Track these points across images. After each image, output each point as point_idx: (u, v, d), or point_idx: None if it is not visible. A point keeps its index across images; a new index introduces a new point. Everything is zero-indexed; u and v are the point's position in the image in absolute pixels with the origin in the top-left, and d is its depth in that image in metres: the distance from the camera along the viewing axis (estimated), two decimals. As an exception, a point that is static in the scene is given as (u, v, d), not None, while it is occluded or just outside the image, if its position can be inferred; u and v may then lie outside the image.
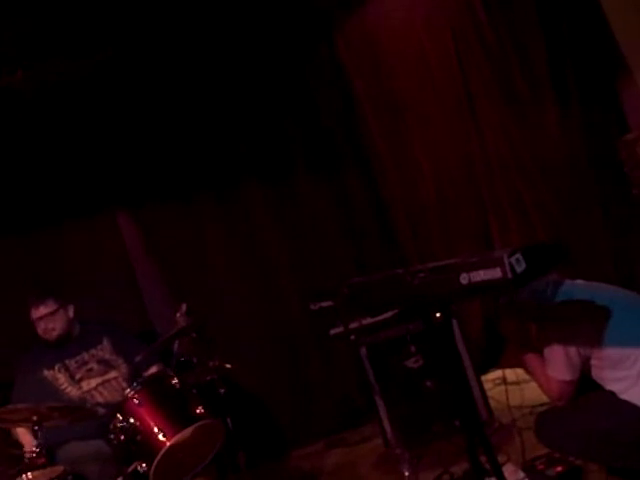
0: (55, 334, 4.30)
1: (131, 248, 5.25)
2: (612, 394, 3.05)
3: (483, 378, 4.61)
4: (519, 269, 2.38)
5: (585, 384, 3.15)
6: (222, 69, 5.28)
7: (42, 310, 4.28)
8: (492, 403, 4.41)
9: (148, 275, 5.26)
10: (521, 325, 3.31)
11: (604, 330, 2.99)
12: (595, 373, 3.10)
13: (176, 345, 3.96)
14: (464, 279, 2.47)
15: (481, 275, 2.43)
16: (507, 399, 3.74)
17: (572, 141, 4.64)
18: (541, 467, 3.41)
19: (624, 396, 3.01)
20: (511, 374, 4.26)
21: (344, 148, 5.59)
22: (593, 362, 3.07)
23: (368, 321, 4.18)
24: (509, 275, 2.36)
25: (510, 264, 2.36)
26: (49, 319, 4.28)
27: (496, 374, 4.91)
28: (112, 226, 5.22)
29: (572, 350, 3.05)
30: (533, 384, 3.58)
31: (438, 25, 5.10)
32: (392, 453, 4.31)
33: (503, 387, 4.25)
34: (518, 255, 2.40)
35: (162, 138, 5.19)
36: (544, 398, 3.38)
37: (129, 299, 5.17)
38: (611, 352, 2.99)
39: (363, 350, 4.39)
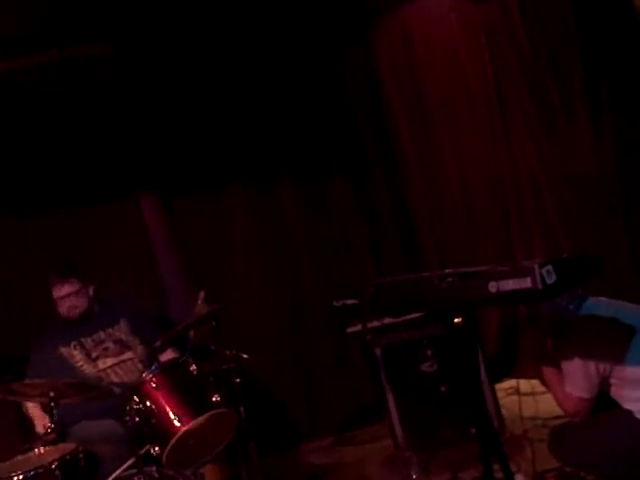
0: (77, 312, 4.31)
1: (153, 233, 5.22)
2: (629, 413, 3.05)
3: (496, 387, 4.59)
4: (549, 281, 2.37)
5: (602, 401, 3.16)
6: (259, 63, 5.27)
7: (67, 289, 4.29)
8: (504, 413, 4.40)
9: (168, 260, 5.25)
10: (541, 338, 3.31)
11: (626, 349, 2.99)
12: (614, 391, 3.10)
13: (192, 332, 3.97)
14: (493, 287, 2.47)
15: (510, 284, 2.42)
16: (520, 409, 3.75)
17: (603, 158, 4.65)
18: (551, 480, 3.41)
19: (641, 416, 3.01)
20: (525, 385, 4.26)
21: (373, 151, 5.59)
22: (612, 381, 3.07)
23: (389, 321, 4.19)
24: (539, 286, 2.35)
25: (541, 275, 2.36)
26: (73, 297, 4.30)
27: (509, 383, 4.89)
28: (135, 209, 5.20)
29: (592, 367, 3.05)
30: (547, 396, 3.59)
31: (474, 34, 5.11)
32: (400, 455, 4.32)
33: (515, 397, 4.24)
34: (549, 267, 2.39)
35: (196, 125, 5.19)
36: (558, 411, 3.38)
37: (148, 283, 5.17)
38: (632, 372, 2.98)
39: (378, 350, 4.38)
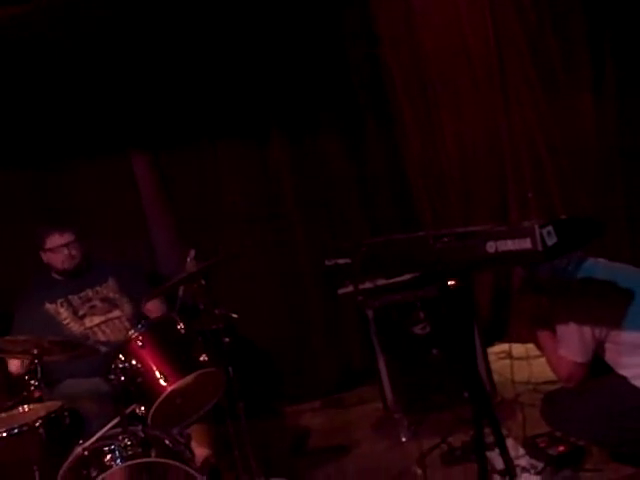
0: (75, 262, 4.23)
1: (143, 190, 5.15)
2: (623, 379, 3.01)
3: (488, 351, 4.55)
4: (550, 242, 2.29)
5: (596, 366, 3.11)
6: (254, 18, 5.15)
7: (66, 237, 4.20)
8: (495, 377, 4.38)
9: (158, 218, 5.20)
10: (537, 300, 3.25)
11: (623, 313, 2.94)
12: (609, 356, 3.06)
13: (181, 290, 3.90)
14: (491, 247, 2.39)
15: (509, 245, 2.35)
16: (512, 373, 3.70)
17: (604, 124, 4.58)
18: (542, 445, 3.37)
19: (636, 382, 2.97)
20: (518, 349, 4.21)
21: (369, 109, 5.50)
22: (608, 345, 3.03)
23: (381, 283, 4.13)
24: (539, 247, 2.28)
25: (541, 236, 2.28)
26: (72, 246, 4.21)
27: (501, 347, 4.87)
28: (126, 166, 5.12)
29: (587, 331, 3.01)
30: (539, 361, 3.57)
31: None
32: (390, 417, 4.30)
33: (507, 361, 4.20)
34: (549, 227, 2.31)
35: (188, 82, 5.08)
36: (550, 375, 3.35)
37: (137, 240, 5.11)
38: (629, 337, 2.95)
39: (370, 312, 4.34)
